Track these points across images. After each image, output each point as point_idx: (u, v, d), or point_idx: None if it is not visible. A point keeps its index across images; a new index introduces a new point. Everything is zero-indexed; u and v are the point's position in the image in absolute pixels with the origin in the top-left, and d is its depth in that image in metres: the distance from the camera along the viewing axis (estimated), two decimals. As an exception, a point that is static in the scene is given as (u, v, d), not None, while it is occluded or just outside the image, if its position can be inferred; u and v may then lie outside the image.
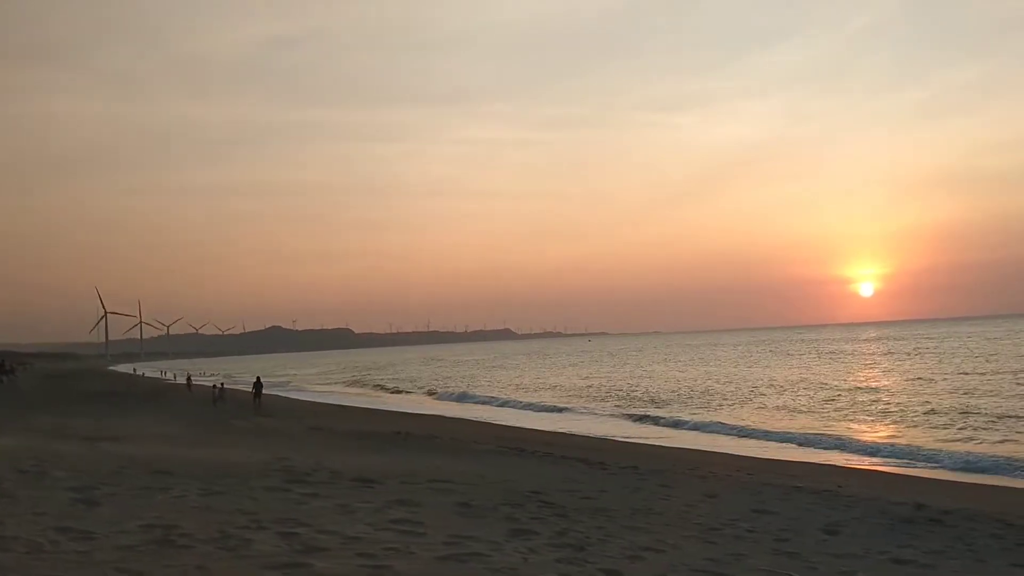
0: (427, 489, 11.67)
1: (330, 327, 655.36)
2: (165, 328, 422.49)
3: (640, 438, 29.38)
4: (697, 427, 32.51)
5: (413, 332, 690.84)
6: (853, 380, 52.81)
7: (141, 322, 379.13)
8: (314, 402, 52.46)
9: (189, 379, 48.92)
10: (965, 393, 39.53)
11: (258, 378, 45.46)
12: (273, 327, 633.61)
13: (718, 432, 30.94)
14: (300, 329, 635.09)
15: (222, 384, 49.92)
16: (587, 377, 72.18)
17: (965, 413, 31.72)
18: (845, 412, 35.17)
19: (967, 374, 51.04)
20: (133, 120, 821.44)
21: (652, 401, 45.41)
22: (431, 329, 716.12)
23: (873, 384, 49.45)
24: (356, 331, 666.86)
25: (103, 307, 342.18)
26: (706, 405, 41.27)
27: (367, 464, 15.08)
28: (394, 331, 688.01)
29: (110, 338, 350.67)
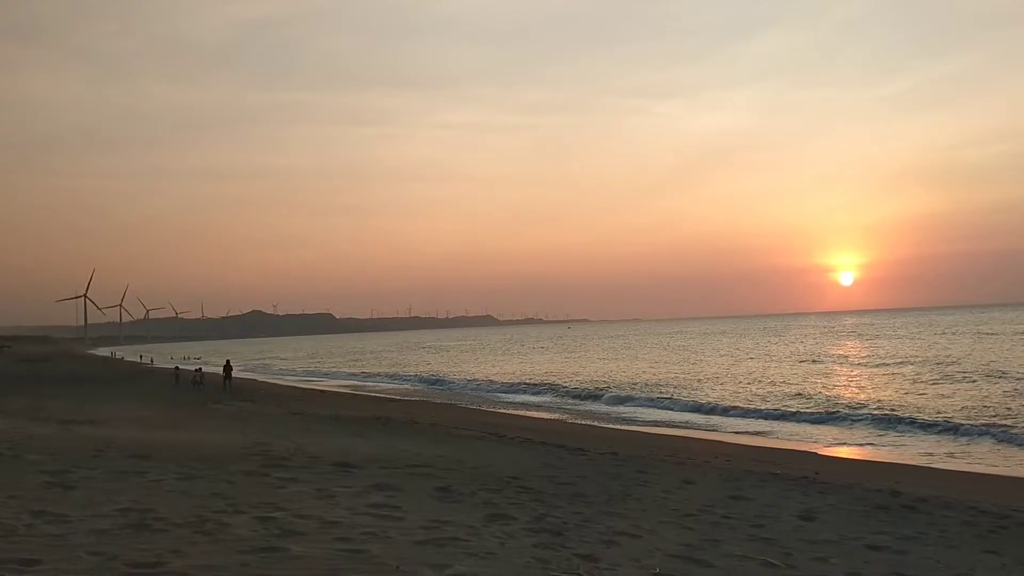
0: (406, 474, 11.68)
1: (311, 312, 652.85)
2: (145, 312, 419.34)
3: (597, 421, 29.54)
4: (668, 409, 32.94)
5: (395, 317, 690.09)
6: (833, 365, 53.35)
7: (121, 305, 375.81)
8: (294, 386, 52.34)
9: (177, 371, 48.69)
10: (944, 377, 40.03)
11: (228, 362, 46.05)
12: (254, 311, 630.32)
13: (680, 412, 31.47)
14: (281, 314, 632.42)
15: (200, 369, 49.99)
16: (530, 364, 72.46)
17: (943, 396, 32.12)
18: (826, 397, 35.44)
19: (945, 364, 51.64)
20: (113, 101, 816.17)
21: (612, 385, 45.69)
22: (413, 315, 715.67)
23: (850, 369, 49.94)
24: (338, 316, 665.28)
25: (86, 290, 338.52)
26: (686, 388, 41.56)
27: (346, 449, 15.07)
28: (376, 316, 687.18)
29: (89, 321, 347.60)
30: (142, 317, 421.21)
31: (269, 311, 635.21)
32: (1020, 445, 22.41)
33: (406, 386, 54.74)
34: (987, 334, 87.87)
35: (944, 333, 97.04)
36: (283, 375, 71.44)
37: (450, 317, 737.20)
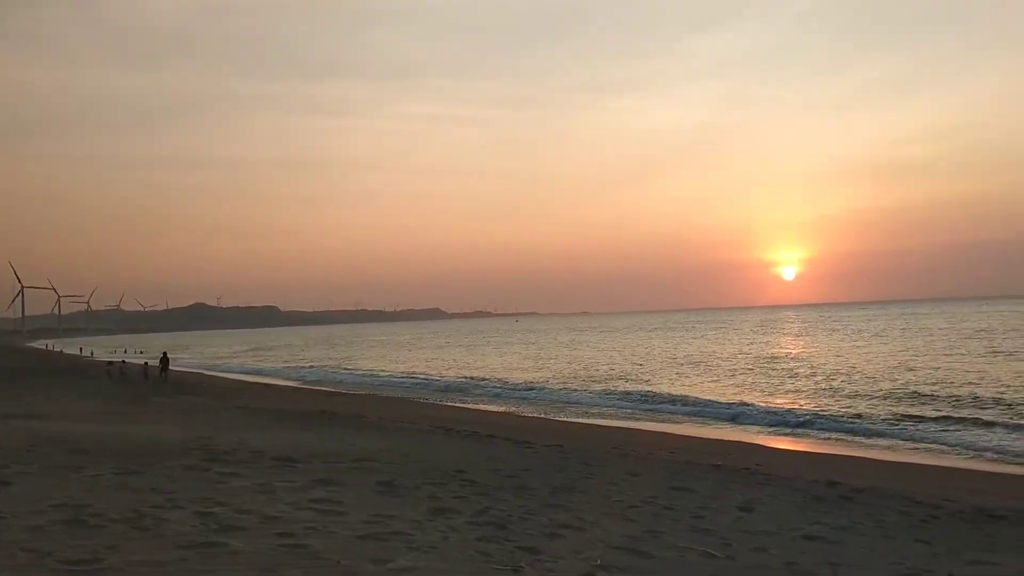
0: (350, 468, 11.62)
1: (256, 304, 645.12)
2: (86, 303, 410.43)
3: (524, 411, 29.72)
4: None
5: (341, 310, 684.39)
6: (773, 357, 54.21)
7: (60, 297, 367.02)
8: (238, 380, 51.72)
9: (110, 364, 47.88)
10: (886, 369, 40.90)
11: (164, 354, 45.76)
12: (196, 304, 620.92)
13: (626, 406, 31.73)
14: (225, 306, 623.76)
15: (123, 361, 49.71)
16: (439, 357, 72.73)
17: (882, 389, 32.86)
18: (767, 388, 36.01)
19: (895, 353, 52.78)
20: (58, 87, 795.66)
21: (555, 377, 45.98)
22: (360, 307, 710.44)
23: (791, 362, 50.78)
24: (283, 309, 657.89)
25: (19, 281, 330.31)
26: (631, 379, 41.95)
27: (290, 443, 14.95)
28: (322, 309, 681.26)
29: (27, 313, 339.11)
30: (83, 309, 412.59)
31: (212, 303, 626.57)
32: (948, 443, 22.97)
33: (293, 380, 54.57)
34: (919, 328, 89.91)
35: (886, 327, 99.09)
36: (226, 369, 70.55)
37: (398, 311, 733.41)
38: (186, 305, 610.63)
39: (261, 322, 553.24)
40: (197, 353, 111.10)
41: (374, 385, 48.60)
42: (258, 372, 64.47)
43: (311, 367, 68.41)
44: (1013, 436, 22.34)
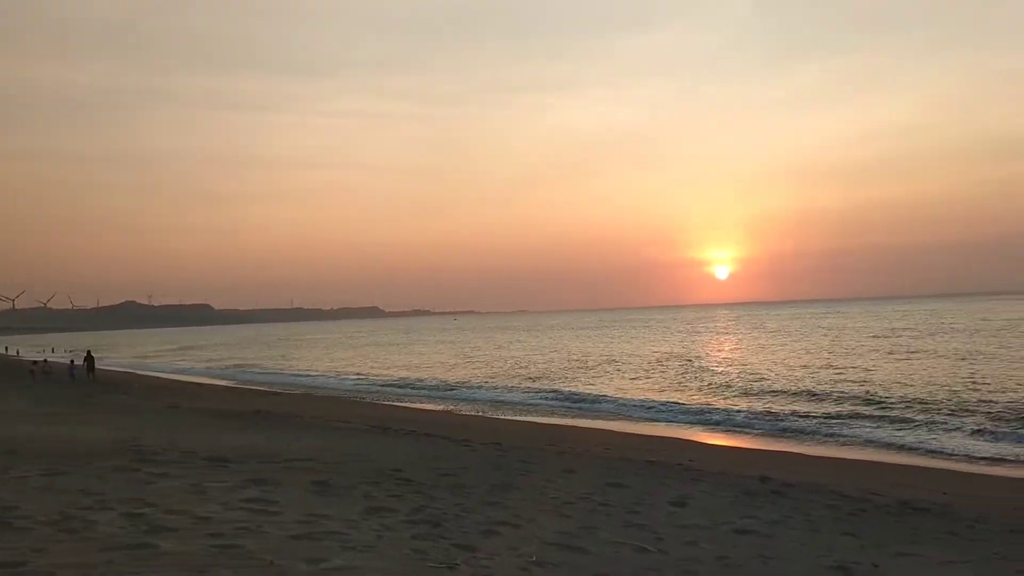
0: (284, 468, 11.50)
1: (189, 303, 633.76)
2: (11, 302, 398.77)
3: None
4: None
5: (277, 309, 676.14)
6: (703, 355, 55.05)
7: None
8: (170, 379, 50.78)
9: (35, 364, 46.60)
10: (807, 366, 41.82)
11: (88, 352, 45.00)
12: (127, 302, 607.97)
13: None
14: (157, 304, 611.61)
15: (45, 360, 48.68)
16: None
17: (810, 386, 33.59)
18: (698, 386, 36.53)
19: (815, 352, 53.94)
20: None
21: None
22: (296, 306, 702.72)
23: (722, 359, 51.63)
24: (217, 307, 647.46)
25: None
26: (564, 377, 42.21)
27: (223, 443, 14.72)
28: (257, 308, 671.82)
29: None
30: (8, 308, 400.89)
31: (144, 302, 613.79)
32: (872, 439, 23.60)
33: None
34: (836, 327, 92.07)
35: (819, 325, 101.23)
36: (157, 368, 69.21)
37: (335, 309, 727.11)
38: (117, 303, 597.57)
39: (195, 321, 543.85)
40: (127, 352, 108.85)
41: (310, 384, 48.14)
42: (191, 372, 63.38)
43: (246, 366, 67.49)
44: (929, 432, 23.18)
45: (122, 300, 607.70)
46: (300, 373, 58.79)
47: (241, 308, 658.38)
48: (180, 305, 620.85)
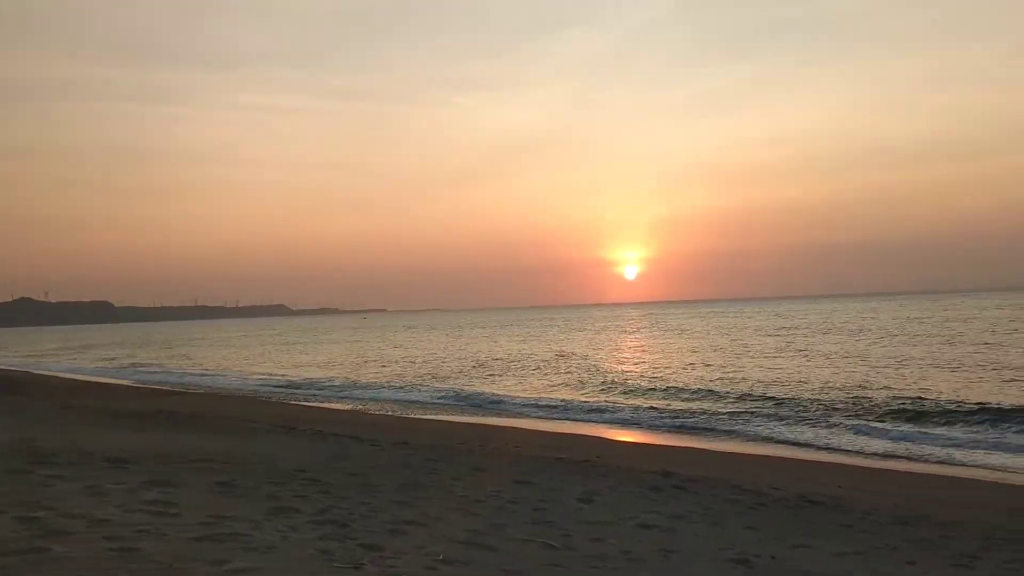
0: (186, 469, 11.23)
1: (88, 299, 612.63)
2: None
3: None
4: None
5: (180, 307, 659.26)
6: (607, 353, 55.86)
7: None
8: (67, 379, 49.04)
9: None
10: (709, 365, 42.86)
11: None
12: (22, 299, 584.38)
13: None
14: (54, 301, 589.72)
15: None
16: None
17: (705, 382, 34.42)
18: (601, 384, 37.03)
19: (719, 349, 55.27)
20: None
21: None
22: (200, 304, 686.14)
23: (625, 357, 52.48)
24: (117, 304, 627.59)
25: None
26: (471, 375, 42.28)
27: (123, 443, 14.29)
28: (159, 305, 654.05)
29: None
30: None
31: (40, 298, 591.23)
32: (772, 435, 24.32)
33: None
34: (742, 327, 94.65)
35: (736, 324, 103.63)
36: (54, 368, 66.77)
37: (240, 307, 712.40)
38: (10, 300, 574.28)
39: (94, 318, 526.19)
40: (21, 350, 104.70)
41: (214, 384, 47.11)
42: (89, 371, 61.32)
43: (147, 366, 65.65)
44: (825, 428, 24.10)
45: (15, 296, 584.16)
46: (204, 372, 57.48)
47: (143, 305, 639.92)
48: (79, 302, 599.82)
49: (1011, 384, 31.27)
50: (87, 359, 79.64)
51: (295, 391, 41.18)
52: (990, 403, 25.74)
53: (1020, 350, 45.02)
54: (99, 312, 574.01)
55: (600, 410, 29.59)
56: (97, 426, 18.99)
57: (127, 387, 43.34)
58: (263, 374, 53.30)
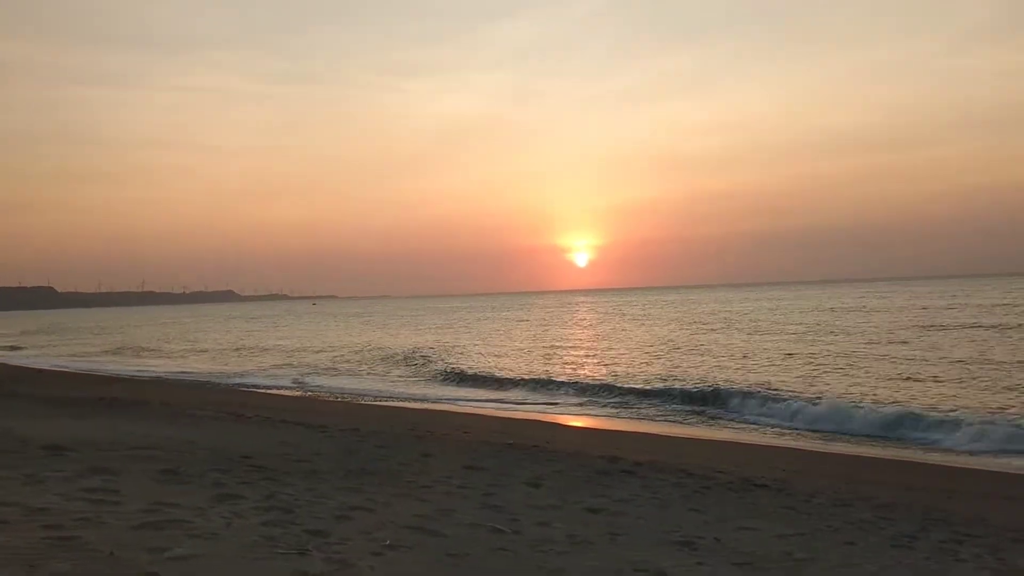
0: (128, 456, 11.04)
1: (29, 284, 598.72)
2: None
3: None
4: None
5: (126, 292, 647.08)
6: (557, 340, 56.16)
7: None
8: (5, 365, 47.93)
9: None
10: (661, 347, 43.31)
11: None
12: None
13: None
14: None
15: None
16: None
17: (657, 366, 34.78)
18: (552, 370, 37.20)
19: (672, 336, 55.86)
20: None
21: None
22: (146, 289, 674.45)
23: (574, 343, 52.82)
24: (60, 290, 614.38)
25: None
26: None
27: (62, 431, 14.00)
28: (104, 290, 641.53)
29: None
30: None
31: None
32: (720, 418, 24.65)
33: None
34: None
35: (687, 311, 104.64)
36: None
37: (188, 292, 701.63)
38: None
39: (35, 304, 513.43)
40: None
41: (159, 371, 46.39)
42: (28, 358, 59.99)
43: (91, 353, 64.40)
44: (768, 412, 24.48)
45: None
46: (151, 356, 56.61)
47: (87, 291, 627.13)
48: (20, 287, 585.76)
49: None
50: (27, 345, 77.79)
51: (241, 377, 40.70)
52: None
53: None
54: (42, 297, 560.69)
55: (553, 394, 29.71)
56: (34, 414, 18.59)
57: (68, 373, 42.46)
58: (210, 360, 52.55)
